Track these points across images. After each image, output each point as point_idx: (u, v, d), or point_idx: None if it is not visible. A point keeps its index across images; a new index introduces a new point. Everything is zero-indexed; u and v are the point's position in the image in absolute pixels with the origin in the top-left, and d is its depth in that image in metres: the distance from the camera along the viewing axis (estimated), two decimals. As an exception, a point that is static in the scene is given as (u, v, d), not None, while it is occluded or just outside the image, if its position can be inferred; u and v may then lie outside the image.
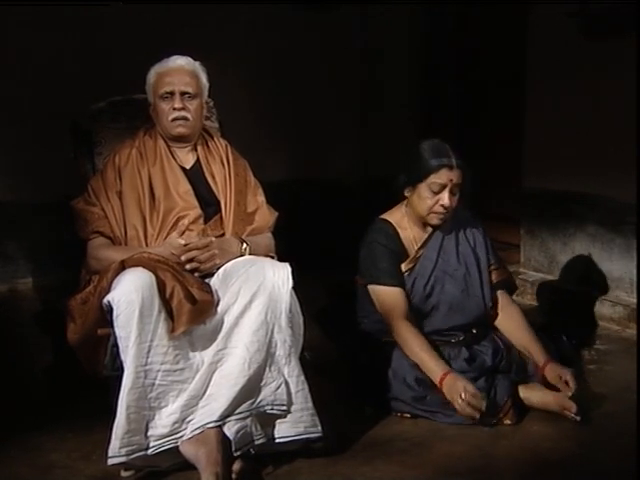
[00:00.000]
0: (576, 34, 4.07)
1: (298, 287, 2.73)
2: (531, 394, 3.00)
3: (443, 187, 2.99)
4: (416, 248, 3.12)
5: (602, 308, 4.09)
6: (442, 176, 2.98)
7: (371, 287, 3.08)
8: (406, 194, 3.10)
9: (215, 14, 4.86)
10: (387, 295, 3.03)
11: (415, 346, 2.91)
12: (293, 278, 2.63)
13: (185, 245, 2.71)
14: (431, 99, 5.44)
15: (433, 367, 2.87)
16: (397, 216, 3.17)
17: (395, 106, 5.42)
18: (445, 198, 2.99)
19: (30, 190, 4.57)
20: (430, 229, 3.14)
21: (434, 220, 3.06)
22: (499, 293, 3.19)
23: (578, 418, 2.88)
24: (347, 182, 5.24)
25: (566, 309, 4.15)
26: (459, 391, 2.77)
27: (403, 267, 3.09)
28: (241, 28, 5.02)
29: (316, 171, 5.17)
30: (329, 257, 3.42)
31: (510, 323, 3.15)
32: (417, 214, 3.09)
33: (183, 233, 2.81)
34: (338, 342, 3.25)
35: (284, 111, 5.12)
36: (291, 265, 2.69)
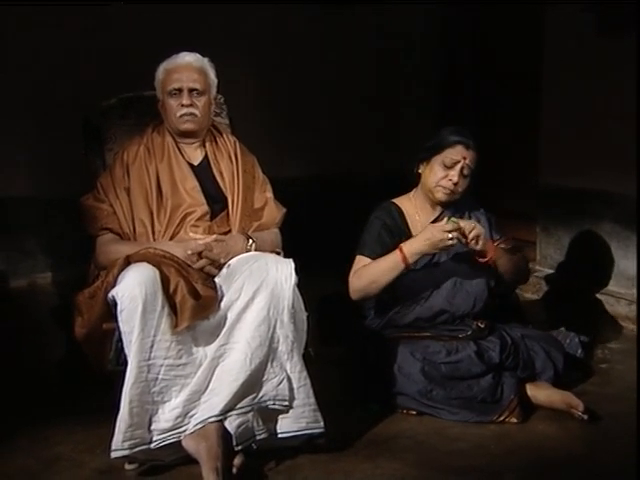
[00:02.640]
0: (592, 30, 4.04)
1: (308, 284, 2.74)
2: (538, 392, 2.99)
3: (455, 163, 3.03)
4: (421, 229, 3.12)
5: (618, 306, 4.06)
6: (457, 152, 3.03)
7: (356, 257, 3.12)
8: (419, 170, 3.14)
9: (230, 11, 4.89)
10: (359, 262, 3.08)
11: (367, 268, 3.02)
12: (297, 274, 2.64)
13: (199, 253, 2.71)
14: (447, 97, 5.41)
15: (387, 257, 2.99)
16: (404, 200, 3.22)
17: (411, 104, 5.41)
18: (455, 175, 3.03)
19: (48, 186, 4.62)
20: (437, 212, 3.15)
21: (439, 194, 3.08)
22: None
23: (585, 417, 2.86)
24: (362, 179, 5.24)
25: (581, 307, 4.12)
26: (427, 233, 2.91)
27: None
28: (255, 25, 5.04)
29: (330, 168, 5.17)
30: (342, 254, 3.41)
31: None
32: (426, 188, 3.12)
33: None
34: (344, 339, 3.24)
35: (298, 107, 5.13)
36: (297, 262, 2.69)
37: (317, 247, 4.25)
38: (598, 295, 4.16)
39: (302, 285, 2.69)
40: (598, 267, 4.21)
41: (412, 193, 3.21)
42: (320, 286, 3.41)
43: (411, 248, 2.95)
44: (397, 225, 3.15)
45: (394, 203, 3.21)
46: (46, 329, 3.81)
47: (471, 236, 2.90)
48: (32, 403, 3.10)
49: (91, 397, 3.00)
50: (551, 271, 4.50)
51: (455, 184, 3.04)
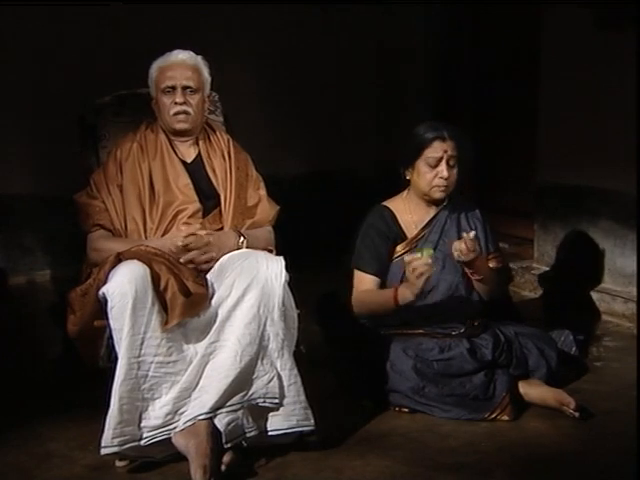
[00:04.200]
0: (590, 26, 4.03)
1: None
2: (530, 390, 2.98)
3: (439, 160, 3.02)
4: (416, 231, 3.13)
5: (614, 304, 4.05)
6: (436, 149, 3.02)
7: (354, 270, 3.13)
8: (407, 177, 3.13)
9: (230, 10, 4.90)
10: (361, 281, 3.10)
11: (367, 297, 3.06)
12: (287, 272, 2.64)
13: (185, 246, 2.72)
14: (446, 95, 5.41)
15: (383, 293, 3.00)
16: (397, 202, 3.20)
17: (410, 101, 5.40)
18: (443, 170, 3.03)
19: (48, 183, 4.64)
20: (432, 212, 3.15)
21: (437, 194, 3.08)
22: None
23: (577, 414, 2.85)
24: (361, 176, 5.24)
25: (578, 304, 4.11)
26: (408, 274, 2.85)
27: (399, 249, 3.10)
28: (255, 24, 5.04)
29: (329, 166, 5.18)
30: (339, 251, 3.43)
31: None
32: (420, 192, 3.11)
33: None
34: (337, 336, 3.24)
35: (298, 106, 5.13)
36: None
37: (314, 244, 4.26)
38: (594, 293, 4.15)
39: (295, 283, 2.69)
40: (595, 265, 4.20)
41: (405, 193, 3.20)
42: (316, 284, 3.42)
43: (404, 293, 2.91)
44: (391, 229, 3.14)
45: (386, 207, 3.19)
46: (43, 325, 3.82)
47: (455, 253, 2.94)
48: (25, 399, 3.11)
49: (85, 394, 3.01)
50: (548, 269, 4.49)
51: (446, 178, 3.03)
